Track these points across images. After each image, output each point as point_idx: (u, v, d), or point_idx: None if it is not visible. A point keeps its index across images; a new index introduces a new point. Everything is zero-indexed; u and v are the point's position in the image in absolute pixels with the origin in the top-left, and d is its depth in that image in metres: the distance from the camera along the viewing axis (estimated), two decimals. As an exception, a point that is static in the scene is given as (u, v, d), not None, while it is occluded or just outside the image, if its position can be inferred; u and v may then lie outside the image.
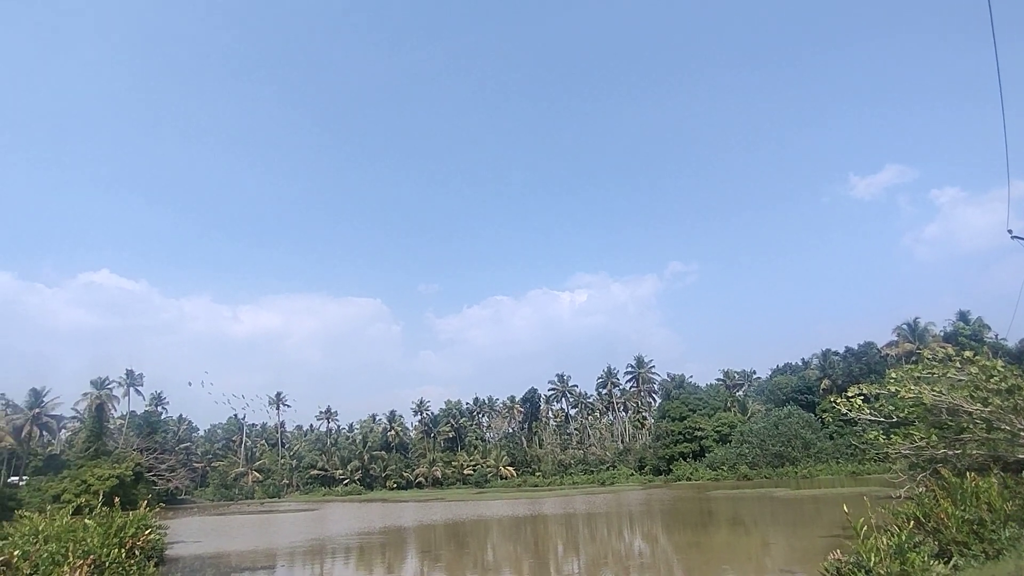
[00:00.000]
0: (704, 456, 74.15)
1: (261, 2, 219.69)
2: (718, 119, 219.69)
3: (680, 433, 77.24)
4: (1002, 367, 15.33)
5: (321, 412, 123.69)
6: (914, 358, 17.77)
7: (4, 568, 7.16)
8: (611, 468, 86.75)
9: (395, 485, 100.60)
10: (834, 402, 18.32)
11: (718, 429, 76.33)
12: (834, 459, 64.05)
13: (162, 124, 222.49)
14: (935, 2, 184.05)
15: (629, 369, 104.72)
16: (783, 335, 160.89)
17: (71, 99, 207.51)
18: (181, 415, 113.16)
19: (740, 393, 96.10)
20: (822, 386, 74.64)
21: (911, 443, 17.10)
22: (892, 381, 17.04)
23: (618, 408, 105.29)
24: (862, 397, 17.91)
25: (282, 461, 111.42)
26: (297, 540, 31.04)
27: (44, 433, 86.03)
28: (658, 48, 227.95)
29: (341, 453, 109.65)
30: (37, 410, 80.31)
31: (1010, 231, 20.34)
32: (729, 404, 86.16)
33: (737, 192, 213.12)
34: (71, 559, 8.13)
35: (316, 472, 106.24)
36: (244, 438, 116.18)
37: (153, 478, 76.03)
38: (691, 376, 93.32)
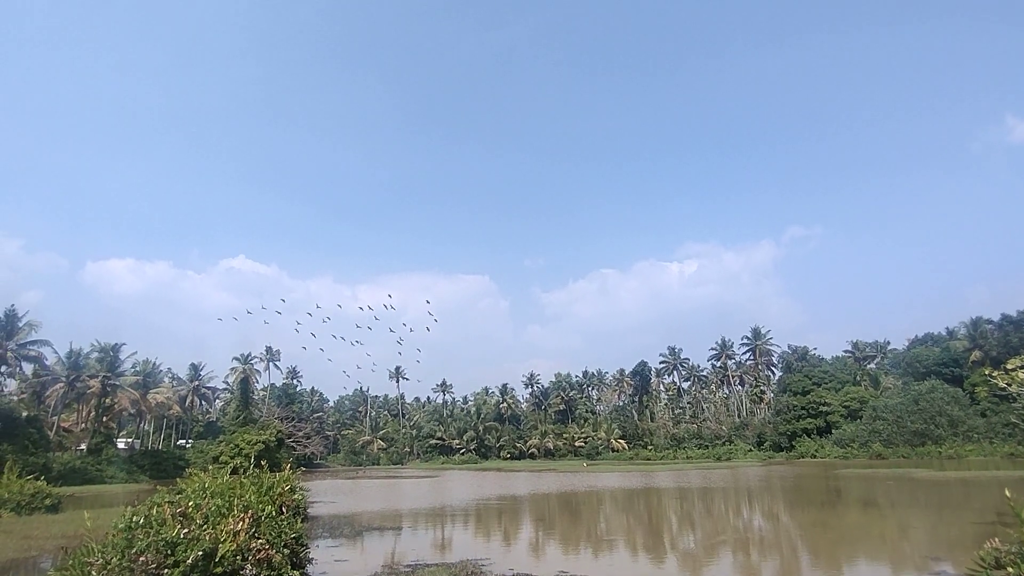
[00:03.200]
0: (831, 432, 69.61)
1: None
2: (847, 68, 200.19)
3: (803, 408, 72.94)
4: None
5: (437, 385, 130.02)
6: (1090, 326, 15.45)
7: (183, 518, 8.32)
8: (727, 443, 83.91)
9: (508, 455, 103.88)
10: (989, 375, 16.52)
11: (846, 404, 71.18)
12: (987, 439, 57.32)
13: (281, 118, 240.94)
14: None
15: (745, 341, 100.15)
16: (921, 302, 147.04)
17: (204, 99, 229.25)
18: (313, 387, 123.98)
19: (872, 366, 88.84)
20: (972, 358, 66.92)
21: (1085, 422, 15.03)
22: (1061, 352, 14.99)
23: (734, 381, 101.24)
24: None
25: (403, 431, 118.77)
26: (419, 504, 33.12)
27: (203, 403, 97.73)
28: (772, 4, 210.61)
29: (457, 424, 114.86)
30: (196, 382, 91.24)
31: None
32: (859, 378, 79.99)
33: (868, 148, 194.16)
34: (235, 511, 9.26)
35: (434, 441, 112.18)
36: (369, 408, 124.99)
37: (292, 444, 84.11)
38: (815, 348, 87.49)
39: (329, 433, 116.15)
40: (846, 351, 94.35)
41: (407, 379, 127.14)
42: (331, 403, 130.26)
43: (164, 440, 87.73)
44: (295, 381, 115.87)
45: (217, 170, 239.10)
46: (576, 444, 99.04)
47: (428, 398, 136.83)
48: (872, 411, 66.24)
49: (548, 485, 45.37)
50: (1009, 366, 14.07)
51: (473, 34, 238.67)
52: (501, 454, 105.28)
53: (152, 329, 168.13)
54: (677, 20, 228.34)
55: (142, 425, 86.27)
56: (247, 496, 11.36)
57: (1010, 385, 14.16)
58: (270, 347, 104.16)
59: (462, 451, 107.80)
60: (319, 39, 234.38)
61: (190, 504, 9.21)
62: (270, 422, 76.04)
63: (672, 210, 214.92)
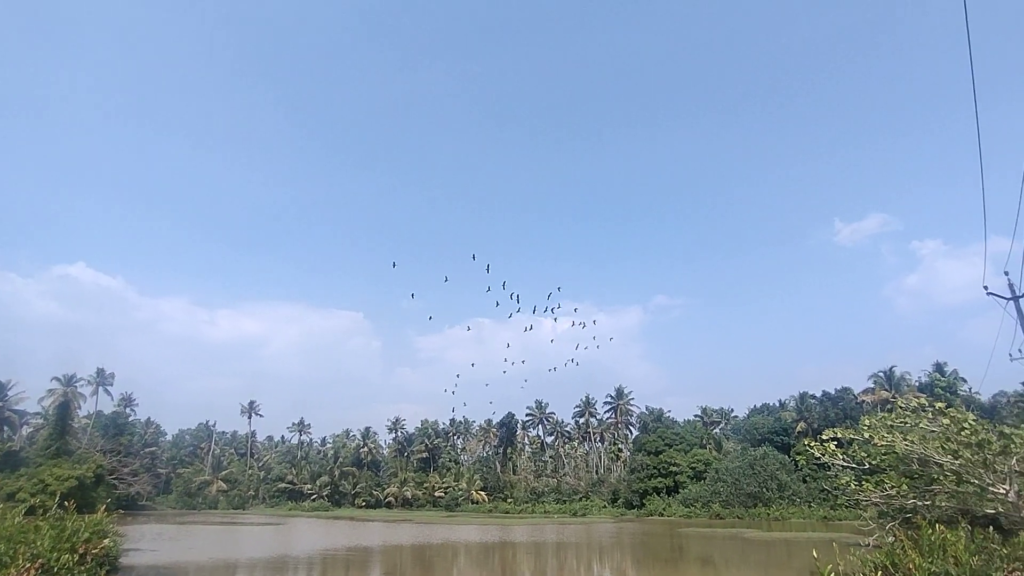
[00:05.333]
0: (678, 492, 73.72)
1: (266, 6, 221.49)
2: (712, 160, 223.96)
3: (655, 467, 76.84)
4: (973, 421, 15.51)
5: (294, 424, 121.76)
6: (889, 406, 17.93)
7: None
8: (584, 498, 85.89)
9: (364, 503, 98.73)
10: (808, 445, 18.38)
11: (693, 466, 76.07)
12: (806, 503, 64.05)
13: (151, 123, 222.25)
14: (926, 69, 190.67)
15: (608, 399, 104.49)
16: (763, 375, 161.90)
17: (62, 91, 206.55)
18: (149, 418, 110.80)
19: (717, 431, 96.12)
20: (798, 429, 74.94)
21: (882, 491, 17.17)
22: (866, 428, 17.16)
23: (595, 438, 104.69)
24: (836, 442, 17.99)
25: (250, 472, 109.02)
26: (259, 555, 30.21)
27: (5, 428, 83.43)
28: (654, 90, 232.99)
29: (311, 467, 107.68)
30: (0, 404, 78.05)
31: (986, 287, 20.79)
32: (705, 441, 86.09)
33: (726, 231, 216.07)
34: (19, 561, 7.83)
35: (284, 485, 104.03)
36: (212, 445, 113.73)
37: (115, 481, 74.05)
38: (670, 411, 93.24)
39: (162, 471, 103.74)
40: (696, 415, 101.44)
41: (261, 415, 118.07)
42: (169, 437, 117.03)
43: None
44: (128, 410, 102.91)
45: (66, 168, 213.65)
46: (436, 494, 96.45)
47: (283, 437, 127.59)
48: (715, 473, 71.34)
49: (403, 537, 43.49)
50: (824, 437, 15.99)
51: (390, 71, 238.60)
52: (356, 502, 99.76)
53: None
54: (579, 92, 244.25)
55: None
56: (41, 543, 9.66)
57: (823, 455, 15.99)
58: (102, 369, 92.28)
59: (314, 497, 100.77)
60: (206, 47, 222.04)
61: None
62: (89, 455, 66.62)
63: (551, 268, 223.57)
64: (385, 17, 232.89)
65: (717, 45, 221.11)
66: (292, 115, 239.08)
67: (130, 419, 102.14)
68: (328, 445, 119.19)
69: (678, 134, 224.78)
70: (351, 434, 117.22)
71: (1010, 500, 14.70)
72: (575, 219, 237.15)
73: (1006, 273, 20.98)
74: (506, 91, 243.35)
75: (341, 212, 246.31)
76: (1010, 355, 20.96)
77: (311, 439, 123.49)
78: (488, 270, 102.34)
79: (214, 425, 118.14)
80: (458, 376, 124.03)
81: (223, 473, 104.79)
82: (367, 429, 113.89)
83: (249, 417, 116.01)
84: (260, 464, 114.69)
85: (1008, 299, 20.47)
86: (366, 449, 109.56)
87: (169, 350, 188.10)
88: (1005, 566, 12.42)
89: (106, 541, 15.37)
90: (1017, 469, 15.10)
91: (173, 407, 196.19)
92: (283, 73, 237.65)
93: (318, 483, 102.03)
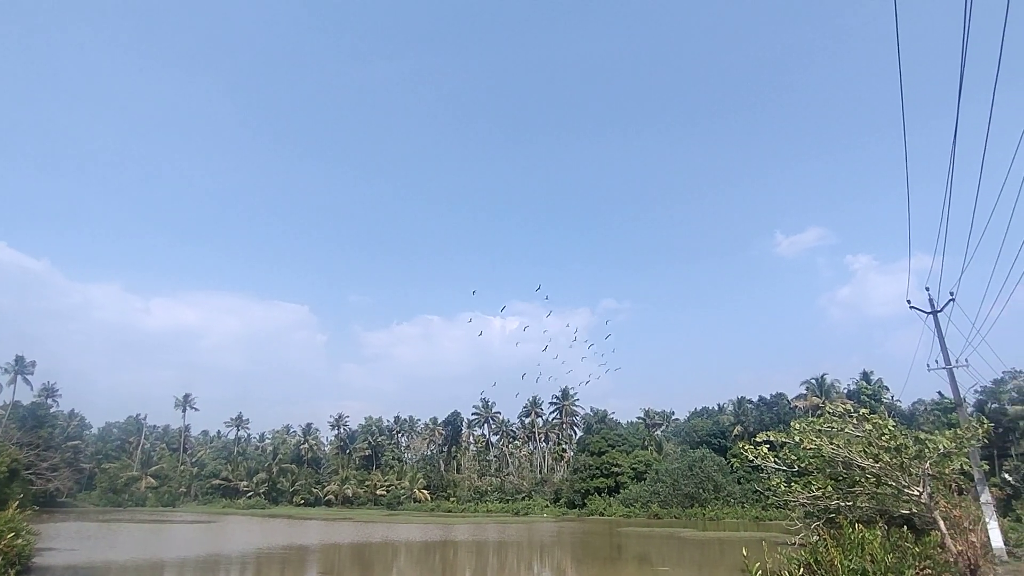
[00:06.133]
0: (619, 492, 75.17)
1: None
2: (663, 170, 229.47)
3: (598, 468, 78.10)
4: (892, 427, 16.42)
5: (231, 419, 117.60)
6: (819, 412, 18.77)
7: None
8: (527, 498, 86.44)
9: (302, 501, 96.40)
10: (743, 448, 19.05)
11: (635, 466, 77.71)
12: (740, 503, 66.48)
13: (90, 99, 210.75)
14: (866, 90, 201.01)
15: (554, 400, 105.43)
16: (704, 379, 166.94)
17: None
18: (73, 410, 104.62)
19: (659, 433, 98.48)
20: (735, 432, 77.66)
21: (809, 492, 17.97)
22: (796, 432, 17.92)
23: (540, 438, 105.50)
24: (768, 445, 18.70)
25: (182, 468, 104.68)
26: (188, 554, 29.03)
27: (-93, 418, 77.31)
28: (612, 98, 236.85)
29: (248, 463, 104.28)
30: (-98, 392, 72.17)
31: (909, 301, 22.12)
32: (647, 443, 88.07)
33: (674, 239, 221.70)
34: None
35: (218, 482, 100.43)
36: (142, 440, 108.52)
37: (31, 476, 69.49)
38: (614, 412, 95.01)
39: (85, 465, 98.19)
40: (639, 417, 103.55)
41: (197, 409, 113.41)
42: (95, 430, 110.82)
43: None
44: (50, 401, 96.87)
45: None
46: (378, 492, 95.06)
47: (219, 433, 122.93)
48: (655, 474, 73.17)
49: (341, 535, 42.68)
50: (758, 440, 16.64)
51: (345, 62, 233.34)
52: (294, 500, 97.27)
53: None
54: (541, 95, 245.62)
55: None
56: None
57: (756, 458, 16.69)
58: (21, 357, 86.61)
59: (250, 494, 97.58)
60: (157, 30, 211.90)
61: None
62: (4, 448, 62.25)
63: (503, 268, 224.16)
64: (340, 9, 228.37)
65: (674, 61, 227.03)
66: (242, 103, 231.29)
67: (51, 411, 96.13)
68: (267, 441, 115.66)
69: (631, 144, 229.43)
70: (291, 430, 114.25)
71: (923, 501, 15.67)
72: (527, 220, 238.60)
73: (927, 289, 22.41)
74: (465, 89, 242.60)
75: (289, 204, 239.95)
76: (928, 365, 22.40)
77: (249, 435, 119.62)
78: (473, 294, 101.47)
79: (145, 419, 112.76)
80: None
81: (153, 469, 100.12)
82: (308, 425, 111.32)
83: (183, 411, 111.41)
84: (193, 460, 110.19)
85: (928, 313, 21.86)
86: (307, 446, 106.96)
87: (98, 339, 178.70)
88: (916, 564, 13.26)
89: (18, 540, 14.46)
90: (930, 472, 16.11)
91: (101, 399, 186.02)
92: (233, 59, 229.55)
93: (255, 480, 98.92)
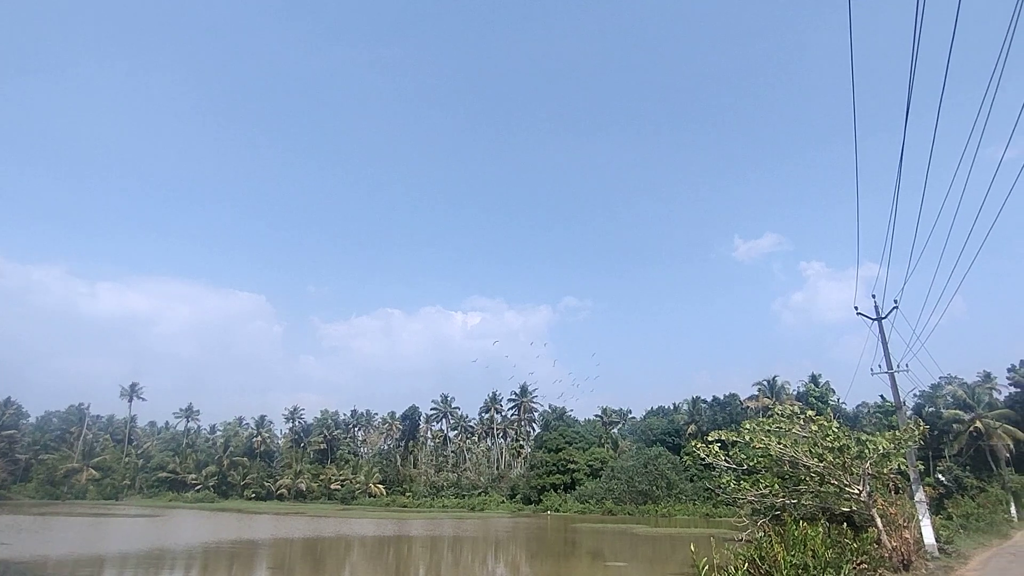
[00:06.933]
0: (575, 489, 76.00)
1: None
2: (629, 172, 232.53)
3: (554, 464, 78.77)
4: (836, 428, 17.12)
5: (181, 410, 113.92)
6: (769, 412, 19.42)
7: None
8: (483, 494, 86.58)
9: (254, 495, 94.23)
10: (695, 446, 19.52)
11: (591, 463, 78.68)
12: (692, 500, 68.08)
13: (40, 75, 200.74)
14: (825, 101, 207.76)
15: (513, 397, 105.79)
16: (661, 379, 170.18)
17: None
18: (9, 398, 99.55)
19: (615, 431, 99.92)
20: (689, 431, 79.42)
21: (757, 490, 18.57)
22: (746, 431, 18.48)
23: (498, 435, 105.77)
24: (720, 444, 19.23)
25: (126, 460, 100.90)
26: (131, 548, 28.08)
27: None
28: (578, 98, 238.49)
29: (198, 456, 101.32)
30: None
31: (856, 308, 23.05)
32: (604, 440, 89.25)
33: (636, 240, 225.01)
34: None
35: (165, 475, 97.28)
36: (85, 431, 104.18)
37: (-38, 467, 66.11)
38: (572, 410, 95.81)
39: (21, 457, 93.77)
40: (596, 415, 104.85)
41: (144, 400, 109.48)
42: (33, 420, 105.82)
43: None
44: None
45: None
46: (332, 487, 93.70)
47: (167, 424, 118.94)
48: (610, 471, 74.28)
49: (294, 530, 41.94)
50: (710, 439, 17.12)
51: (303, 48, 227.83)
52: (245, 493, 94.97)
53: None
54: (504, 90, 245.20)
55: None
56: None
57: (708, 456, 17.17)
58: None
59: (198, 487, 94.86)
60: (111, 10, 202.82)
61: None
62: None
63: (465, 263, 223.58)
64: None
65: (642, 67, 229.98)
66: (197, 86, 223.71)
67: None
68: (218, 433, 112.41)
69: (597, 145, 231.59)
70: (244, 423, 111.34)
71: (862, 500, 16.41)
72: (490, 216, 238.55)
73: (873, 296, 23.38)
74: (431, 83, 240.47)
75: (246, 191, 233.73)
76: (871, 370, 23.38)
77: (199, 427, 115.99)
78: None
79: (88, 408, 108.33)
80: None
81: (95, 460, 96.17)
82: (262, 418, 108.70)
83: (130, 400, 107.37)
84: (139, 452, 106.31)
85: (873, 319, 22.82)
86: (260, 439, 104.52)
87: (39, 324, 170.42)
88: (854, 559, 13.89)
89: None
90: (870, 472, 16.87)
91: (40, 387, 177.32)
92: (189, 41, 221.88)
93: (204, 473, 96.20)
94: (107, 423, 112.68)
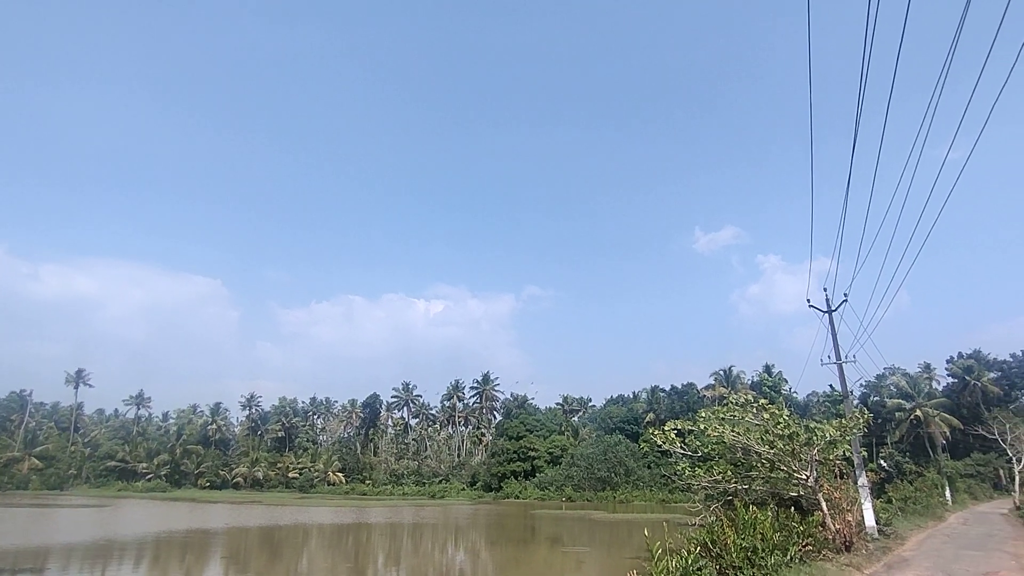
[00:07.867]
0: (535, 476, 76.83)
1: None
2: (592, 164, 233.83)
3: (515, 452, 79.40)
4: (787, 416, 17.75)
5: (131, 397, 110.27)
6: (724, 401, 19.99)
7: None
8: (444, 481, 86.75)
9: (208, 484, 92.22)
10: (652, 434, 19.95)
11: (551, 451, 79.59)
12: (649, 487, 69.68)
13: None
14: (785, 99, 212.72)
15: (475, 385, 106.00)
16: (621, 368, 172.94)
17: None
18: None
19: (576, 419, 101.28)
20: (647, 419, 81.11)
21: (710, 476, 19.13)
22: (701, 420, 18.99)
23: (460, 422, 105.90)
24: (676, 432, 19.70)
25: (72, 448, 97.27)
26: (77, 539, 27.17)
27: None
28: (544, 87, 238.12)
29: (149, 444, 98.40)
30: None
31: (808, 300, 23.84)
32: (564, 428, 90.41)
33: (599, 230, 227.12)
34: None
35: (114, 464, 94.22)
36: (26, 418, 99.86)
37: None
38: (533, 397, 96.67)
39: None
40: (558, 403, 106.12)
41: (91, 386, 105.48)
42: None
43: None
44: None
45: None
46: (290, 475, 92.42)
47: (116, 411, 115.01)
48: (570, 458, 75.34)
49: (250, 519, 41.25)
50: (667, 427, 17.69)
51: (271, 24, 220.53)
52: (199, 482, 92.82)
53: None
54: (471, 78, 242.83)
55: None
56: None
57: (665, 443, 17.77)
58: None
59: (149, 477, 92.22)
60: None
61: None
62: None
63: (429, 251, 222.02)
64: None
65: (609, 60, 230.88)
66: (152, 60, 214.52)
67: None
68: (171, 421, 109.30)
69: (560, 136, 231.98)
70: (199, 410, 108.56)
71: (809, 485, 17.09)
72: (453, 204, 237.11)
73: (824, 290, 24.20)
74: (396, 67, 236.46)
75: (201, 172, 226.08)
76: (821, 360, 24.26)
77: (151, 414, 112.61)
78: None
79: (30, 395, 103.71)
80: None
81: (38, 450, 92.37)
82: (217, 405, 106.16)
83: (76, 387, 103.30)
84: (86, 440, 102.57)
85: (824, 312, 23.65)
86: (215, 426, 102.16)
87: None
88: (800, 541, 14.49)
89: None
90: (817, 458, 17.57)
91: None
92: (151, 14, 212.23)
93: (156, 462, 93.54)
94: (51, 410, 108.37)
